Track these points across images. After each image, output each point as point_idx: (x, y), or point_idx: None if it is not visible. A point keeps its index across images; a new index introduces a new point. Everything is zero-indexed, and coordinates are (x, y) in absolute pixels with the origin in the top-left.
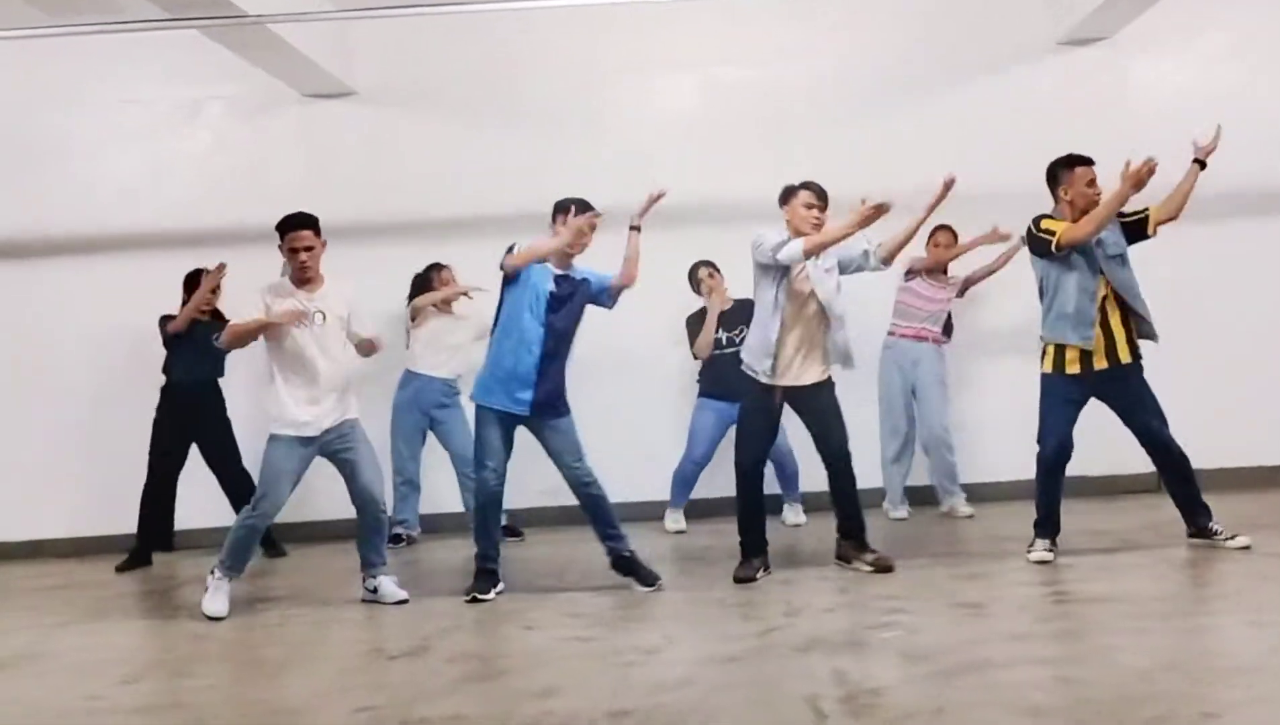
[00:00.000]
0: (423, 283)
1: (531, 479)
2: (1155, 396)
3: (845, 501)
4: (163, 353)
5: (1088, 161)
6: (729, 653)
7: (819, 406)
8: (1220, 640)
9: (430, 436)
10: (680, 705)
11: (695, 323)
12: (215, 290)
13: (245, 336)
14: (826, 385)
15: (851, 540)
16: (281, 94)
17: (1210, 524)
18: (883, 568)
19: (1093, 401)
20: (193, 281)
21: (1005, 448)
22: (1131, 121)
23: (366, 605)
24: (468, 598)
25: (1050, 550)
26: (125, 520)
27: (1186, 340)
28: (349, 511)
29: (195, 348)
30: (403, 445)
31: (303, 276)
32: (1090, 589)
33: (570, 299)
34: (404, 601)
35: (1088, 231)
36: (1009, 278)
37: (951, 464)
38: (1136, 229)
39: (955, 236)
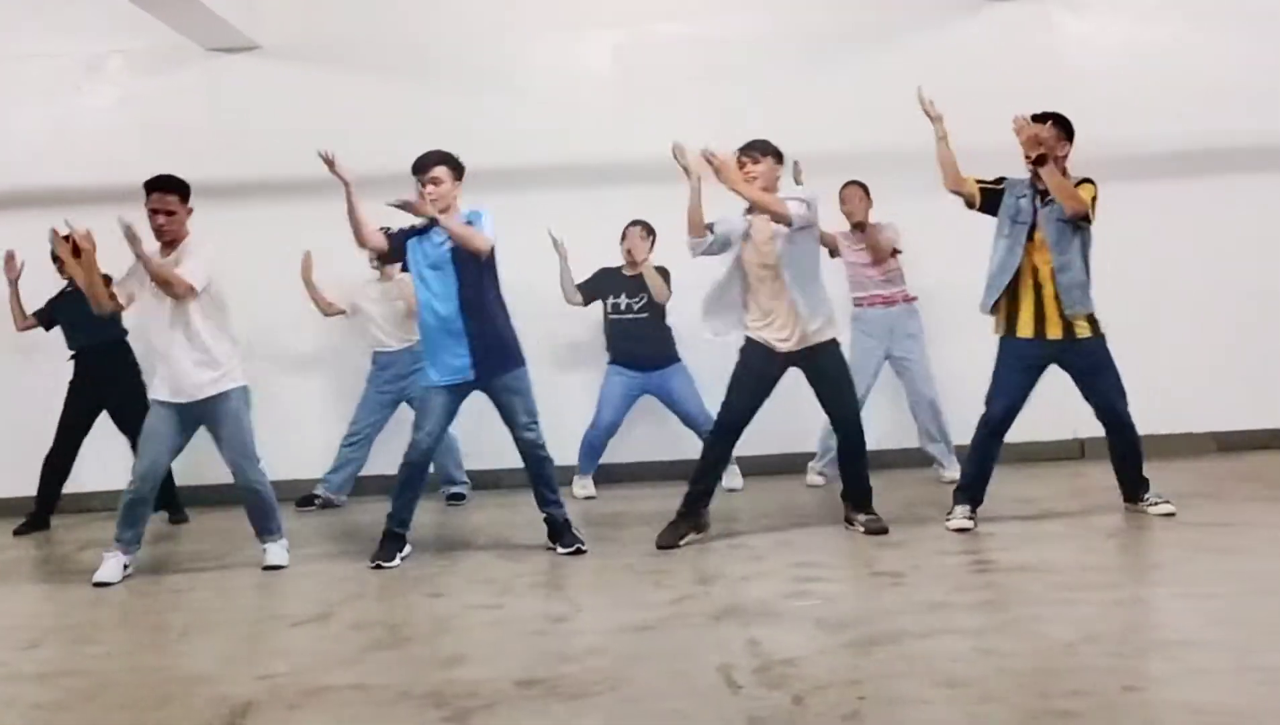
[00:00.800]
0: None
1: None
2: (1117, 371)
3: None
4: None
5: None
6: (640, 621)
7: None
8: (1147, 612)
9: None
10: (589, 675)
11: (599, 275)
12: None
13: (93, 290)
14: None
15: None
16: (185, 48)
17: (1146, 496)
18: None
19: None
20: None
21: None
22: (1063, 78)
23: (269, 571)
24: (371, 564)
25: (970, 518)
26: (13, 483)
27: (1117, 303)
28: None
29: (84, 312)
30: (361, 414)
31: (158, 240)
32: (1012, 558)
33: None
34: (278, 567)
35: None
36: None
37: (944, 425)
38: None
39: (865, 190)
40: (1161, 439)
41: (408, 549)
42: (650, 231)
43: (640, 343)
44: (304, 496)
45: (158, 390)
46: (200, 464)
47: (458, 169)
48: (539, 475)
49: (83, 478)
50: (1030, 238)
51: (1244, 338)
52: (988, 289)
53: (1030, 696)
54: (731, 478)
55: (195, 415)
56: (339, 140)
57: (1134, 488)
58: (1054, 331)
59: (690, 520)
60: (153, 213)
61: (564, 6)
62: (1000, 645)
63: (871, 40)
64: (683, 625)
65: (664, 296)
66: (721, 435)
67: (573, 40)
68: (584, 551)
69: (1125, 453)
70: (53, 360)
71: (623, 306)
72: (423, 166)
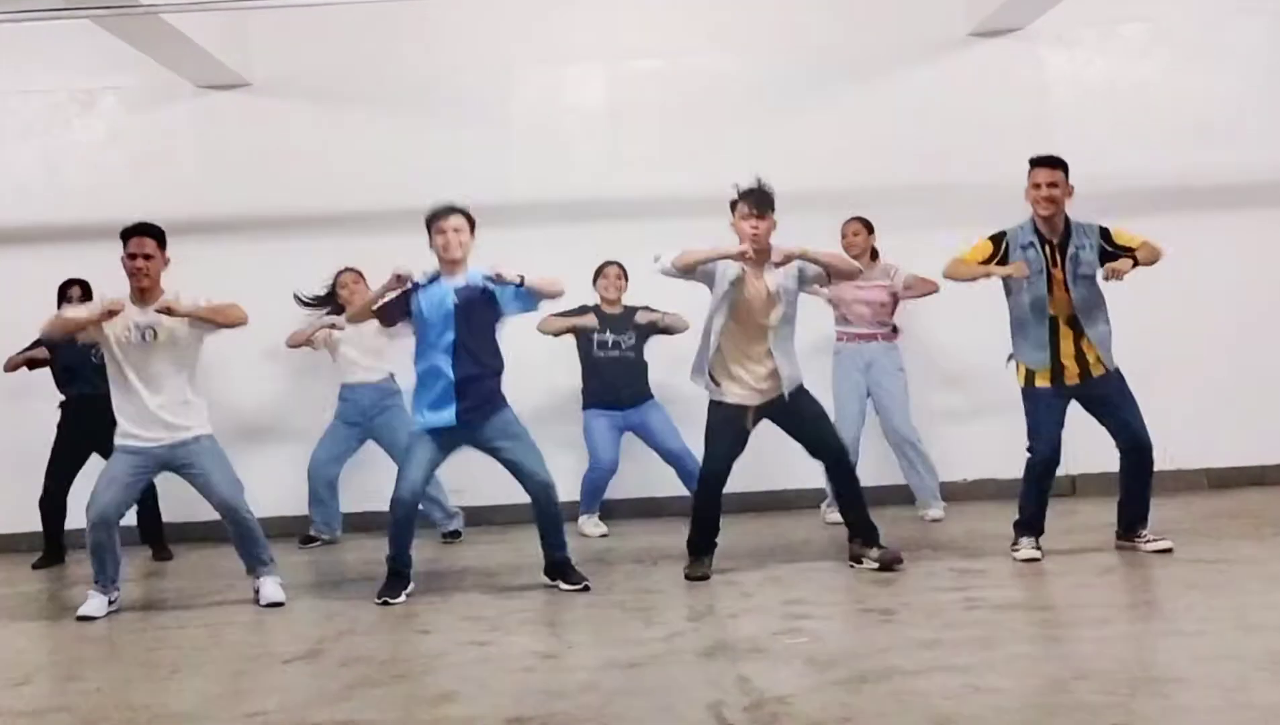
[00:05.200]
0: (332, 291)
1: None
2: (1134, 400)
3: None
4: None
5: (1038, 163)
6: (630, 658)
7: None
8: (1138, 650)
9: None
10: (580, 712)
11: (580, 311)
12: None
13: (68, 327)
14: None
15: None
16: (176, 85)
17: (1142, 531)
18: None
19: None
20: (64, 291)
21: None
22: (1049, 113)
23: (258, 607)
24: (379, 600)
25: (1038, 548)
26: (18, 519)
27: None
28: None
29: (79, 360)
30: (324, 452)
31: (139, 285)
32: (1004, 595)
33: (474, 310)
34: (278, 604)
35: (950, 269)
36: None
37: (924, 463)
38: (1113, 257)
39: (868, 227)
40: (1154, 475)
41: (411, 586)
42: (625, 272)
43: (622, 381)
44: (304, 536)
45: (118, 436)
46: (186, 500)
47: (473, 221)
48: (553, 518)
49: (77, 515)
50: (1049, 291)
51: (1233, 374)
52: (1025, 344)
53: None
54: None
55: (154, 461)
56: (329, 177)
57: (1136, 520)
58: (1071, 378)
59: (709, 553)
60: (130, 257)
61: (552, 42)
62: (992, 683)
63: (858, 76)
64: (673, 662)
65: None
66: (708, 485)
67: (561, 76)
68: (589, 588)
69: (1138, 480)
70: (43, 390)
71: (609, 343)
72: (444, 215)
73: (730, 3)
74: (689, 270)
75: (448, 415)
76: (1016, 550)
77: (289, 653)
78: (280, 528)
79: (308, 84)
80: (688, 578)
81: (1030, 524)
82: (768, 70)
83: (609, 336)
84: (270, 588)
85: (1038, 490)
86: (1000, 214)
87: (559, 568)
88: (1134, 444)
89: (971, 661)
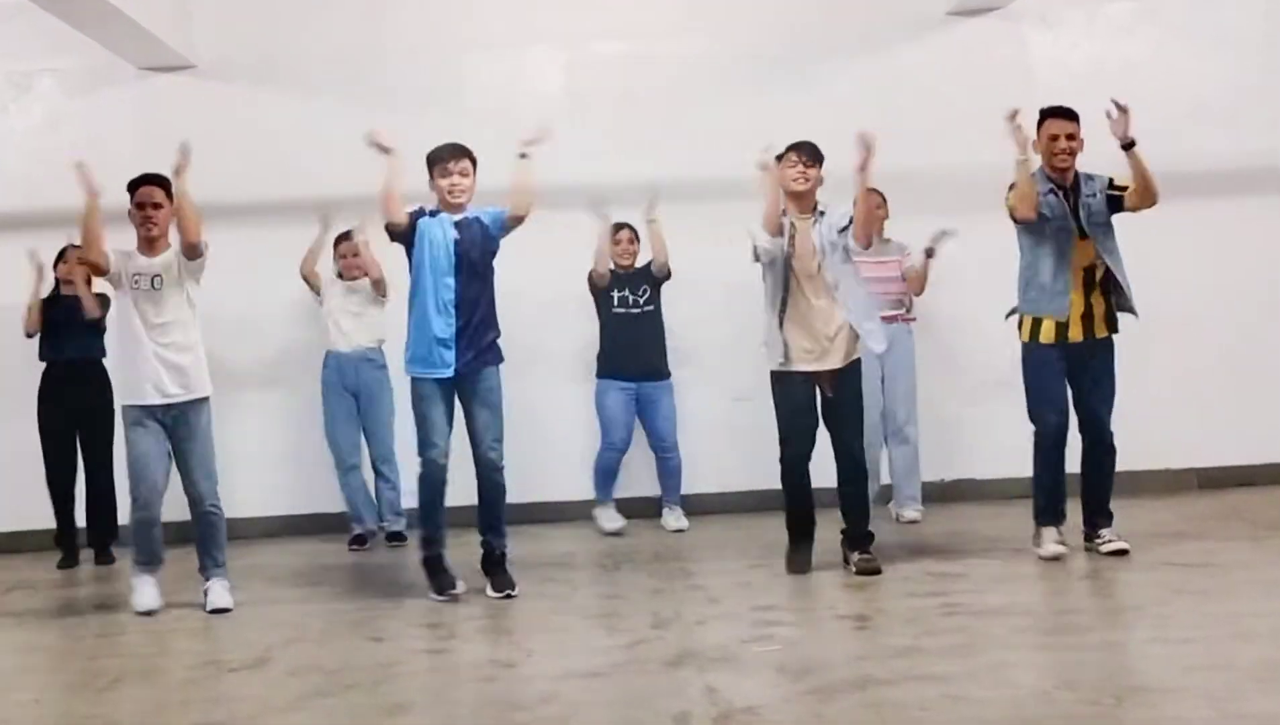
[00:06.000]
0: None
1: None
2: (1114, 382)
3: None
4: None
5: (1053, 113)
6: (593, 667)
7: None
8: (1124, 658)
9: None
10: (540, 724)
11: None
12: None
13: (90, 230)
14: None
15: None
16: (117, 67)
17: (1102, 530)
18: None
19: None
20: (62, 254)
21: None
22: (1034, 93)
23: (205, 613)
24: (445, 598)
25: (1061, 541)
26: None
27: None
28: (182, 512)
29: (65, 322)
30: (338, 433)
31: (148, 234)
32: (983, 600)
33: (474, 244)
34: (224, 609)
35: (1016, 208)
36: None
37: (914, 463)
38: (1118, 201)
39: (883, 198)
40: (1141, 475)
41: (460, 586)
42: (637, 235)
43: (640, 342)
44: (355, 536)
45: (130, 396)
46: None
47: (476, 163)
48: (493, 501)
49: (4, 517)
50: (1082, 236)
51: (1224, 369)
52: (1042, 293)
53: None
54: (677, 519)
55: (164, 419)
56: (276, 163)
57: (1095, 513)
58: (1075, 335)
59: (810, 541)
60: (140, 207)
61: (508, 25)
62: (972, 692)
63: (832, 57)
64: (637, 671)
65: (665, 255)
66: (788, 472)
67: (518, 59)
68: (514, 597)
69: (1100, 471)
70: (11, 380)
71: (630, 301)
72: (450, 156)
73: None
74: (778, 225)
75: (447, 364)
76: (1038, 545)
77: (236, 661)
78: (262, 529)
79: (254, 67)
80: (789, 570)
81: (1050, 509)
82: (737, 53)
83: (627, 293)
84: (218, 592)
85: (1053, 464)
86: (982, 201)
87: (492, 566)
88: (1092, 425)
89: (950, 670)
